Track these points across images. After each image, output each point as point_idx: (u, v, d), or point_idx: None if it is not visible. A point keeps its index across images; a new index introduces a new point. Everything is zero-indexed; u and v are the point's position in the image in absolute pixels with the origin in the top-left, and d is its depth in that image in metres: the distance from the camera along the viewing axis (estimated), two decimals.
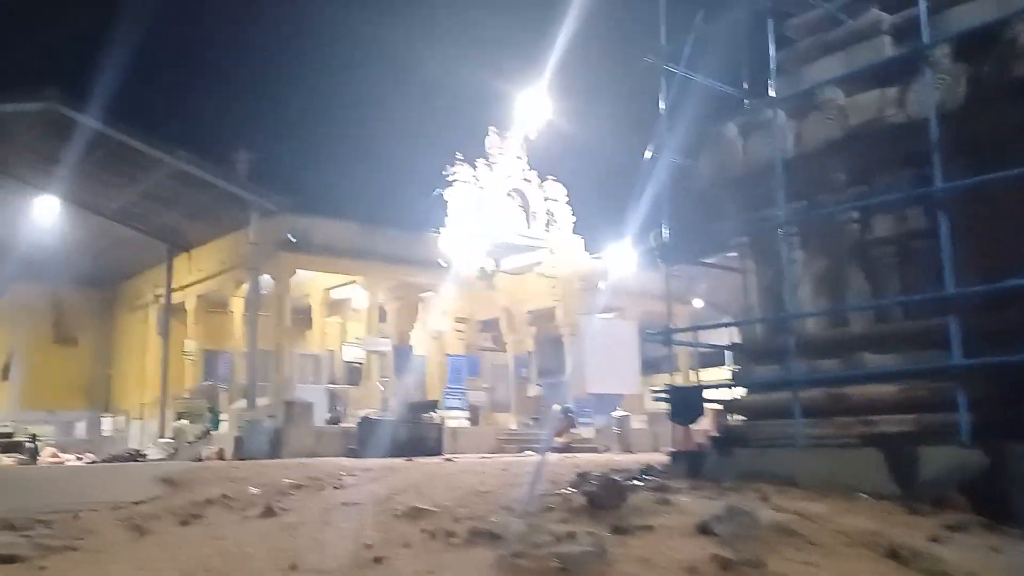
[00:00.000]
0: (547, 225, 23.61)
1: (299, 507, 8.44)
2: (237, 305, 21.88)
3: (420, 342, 23.42)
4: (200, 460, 17.60)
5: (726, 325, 8.29)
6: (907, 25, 7.03)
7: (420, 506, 7.38)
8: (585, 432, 22.09)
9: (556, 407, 21.47)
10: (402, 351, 22.13)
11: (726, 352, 25.36)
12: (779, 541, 4.72)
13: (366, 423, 17.03)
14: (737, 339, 8.36)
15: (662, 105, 8.07)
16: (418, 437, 16.85)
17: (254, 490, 10.00)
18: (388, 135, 57.72)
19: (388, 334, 22.37)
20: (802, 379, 6.67)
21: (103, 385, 28.17)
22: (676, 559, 4.43)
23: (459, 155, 22.15)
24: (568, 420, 20.49)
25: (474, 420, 22.26)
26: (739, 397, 7.92)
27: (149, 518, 8.40)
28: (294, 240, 18.59)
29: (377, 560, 5.27)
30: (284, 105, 63.06)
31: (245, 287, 21.22)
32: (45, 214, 22.83)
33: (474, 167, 22.32)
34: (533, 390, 24.76)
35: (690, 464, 7.53)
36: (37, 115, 18.67)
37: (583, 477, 8.31)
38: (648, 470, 8.12)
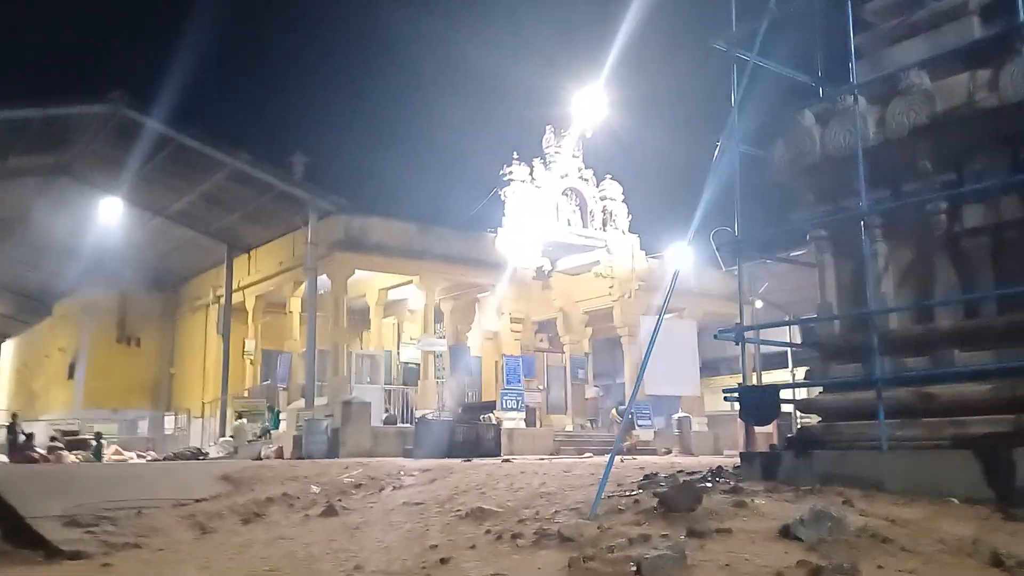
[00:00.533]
0: (604, 224, 23.30)
1: (361, 507, 8.35)
2: (295, 305, 22.06)
3: (476, 342, 23.31)
4: (260, 459, 17.72)
5: (803, 322, 7.95)
6: (996, 4, 6.65)
7: (484, 507, 7.20)
8: (644, 434, 21.73)
9: (614, 410, 21.12)
10: (458, 351, 22.06)
11: (789, 353, 24.79)
12: (870, 548, 4.44)
13: (423, 423, 16.96)
14: (808, 337, 8.02)
15: (733, 93, 7.76)
16: (475, 438, 16.70)
17: (315, 489, 9.95)
18: (445, 135, 57.91)
19: (444, 334, 22.33)
20: (887, 378, 6.33)
21: (165, 384, 28.67)
22: (760, 565, 4.18)
23: (515, 154, 22.01)
24: (629, 422, 20.17)
25: (530, 421, 22.06)
26: (814, 397, 7.58)
27: (212, 516, 8.40)
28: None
29: (443, 561, 5.11)
30: (341, 106, 63.65)
31: (303, 287, 21.36)
32: (109, 216, 23.30)
33: (530, 166, 22.13)
34: (591, 391, 24.46)
35: (764, 466, 7.21)
36: (102, 118, 19.04)
37: (651, 479, 8.05)
38: (719, 472, 7.81)
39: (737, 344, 7.58)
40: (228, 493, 10.01)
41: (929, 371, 6.33)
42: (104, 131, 19.67)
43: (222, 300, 24.27)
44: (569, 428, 23.07)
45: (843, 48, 7.21)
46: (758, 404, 7.30)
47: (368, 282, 21.29)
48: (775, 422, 8.33)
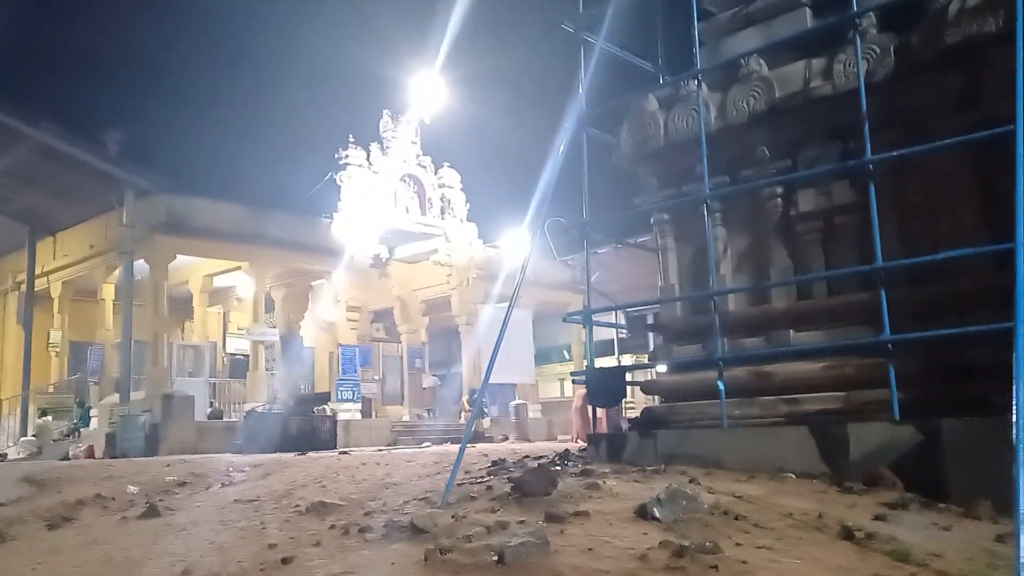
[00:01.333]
0: (442, 212, 23.05)
1: (187, 506, 7.70)
2: (108, 292, 20.32)
3: (310, 333, 22.49)
4: (68, 459, 16.27)
5: (647, 304, 8.05)
6: None
7: (326, 501, 6.79)
8: (482, 422, 21.76)
9: (465, 398, 20.91)
10: (291, 341, 21.18)
11: (615, 340, 25.61)
12: (724, 525, 4.46)
13: (253, 417, 16.12)
14: (632, 322, 8.15)
15: (581, 76, 7.74)
16: (309, 430, 16.06)
17: (132, 489, 9.13)
18: (280, 117, 55.48)
19: (275, 324, 21.35)
20: (725, 358, 6.47)
21: None
22: (623, 547, 4.08)
23: (352, 138, 21.32)
24: (479, 411, 20.00)
25: (366, 412, 21.55)
26: (657, 378, 7.71)
27: (11, 522, 7.48)
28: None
29: (285, 561, 4.71)
30: (166, 85, 59.44)
31: (117, 273, 19.74)
32: None
33: (367, 151, 21.52)
34: (428, 381, 24.21)
35: (610, 447, 7.25)
36: None
37: (499, 465, 7.91)
38: (566, 455, 7.80)
39: (584, 327, 7.57)
40: (31, 496, 8.99)
41: (765, 350, 6.53)
42: None
43: (23, 287, 22.05)
44: (406, 418, 22.74)
45: (684, 36, 7.33)
46: (605, 386, 7.31)
47: (191, 268, 19.96)
48: (609, 407, 8.38)
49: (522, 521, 4.96)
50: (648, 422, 7.21)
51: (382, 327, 26.62)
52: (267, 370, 20.16)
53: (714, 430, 6.42)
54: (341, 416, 18.51)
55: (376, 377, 24.68)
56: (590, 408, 17.72)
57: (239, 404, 20.36)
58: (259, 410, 16.61)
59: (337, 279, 20.90)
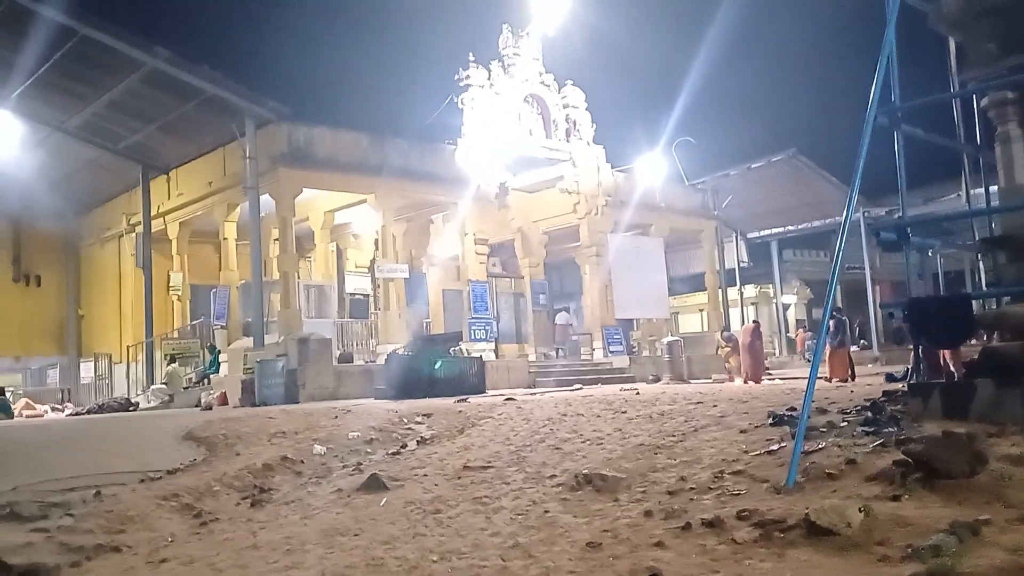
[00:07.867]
0: (567, 135, 21.22)
1: (405, 475, 6.35)
2: (230, 231, 19.25)
3: (432, 268, 21.17)
4: (201, 407, 15.44)
5: (991, 211, 6.27)
6: None
7: (601, 472, 5.34)
8: (618, 361, 20.26)
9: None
10: (414, 279, 19.89)
11: (736, 269, 23.18)
12: None
13: (395, 360, 14.91)
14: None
15: None
16: (457, 374, 14.80)
17: (319, 448, 7.88)
18: (396, 37, 52.86)
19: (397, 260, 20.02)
20: None
21: (74, 327, 25.54)
22: None
23: (472, 57, 19.55)
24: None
25: (495, 352, 20.23)
26: (1003, 309, 5.99)
27: (202, 495, 6.28)
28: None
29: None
30: (273, 5, 57.42)
31: (237, 211, 18.64)
32: None
33: (489, 70, 19.76)
34: (562, 318, 22.71)
35: (947, 400, 5.61)
36: None
37: (782, 420, 6.32)
38: (879, 408, 6.16)
39: (901, 243, 5.85)
40: (205, 459, 7.86)
41: None
42: None
43: (138, 229, 21.20)
44: (532, 358, 21.30)
45: None
46: (942, 321, 5.62)
47: (311, 203, 18.69)
48: (948, 348, 6.65)
49: (986, 520, 3.42)
50: (998, 368, 5.53)
51: (498, 261, 25.14)
52: (394, 310, 18.91)
53: None
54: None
55: (491, 315, 23.28)
56: (759, 347, 15.97)
57: (363, 346, 19.29)
58: (400, 353, 15.39)
59: (461, 210, 19.40)
